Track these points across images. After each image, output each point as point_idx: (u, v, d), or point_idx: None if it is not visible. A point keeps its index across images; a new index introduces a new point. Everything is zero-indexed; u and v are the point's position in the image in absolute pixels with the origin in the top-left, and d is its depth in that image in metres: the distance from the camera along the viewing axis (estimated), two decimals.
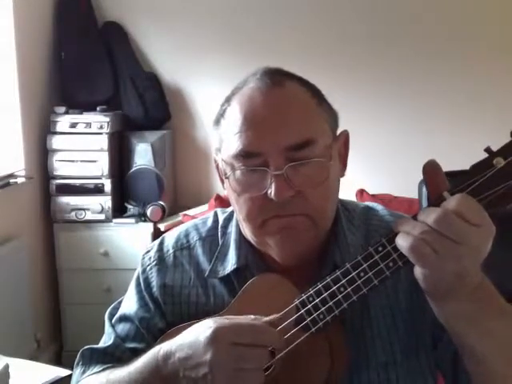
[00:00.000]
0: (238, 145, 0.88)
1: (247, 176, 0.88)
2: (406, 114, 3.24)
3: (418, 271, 0.77)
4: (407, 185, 2.29)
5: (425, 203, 1.39)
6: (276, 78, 0.91)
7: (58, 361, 3.05)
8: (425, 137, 3.23)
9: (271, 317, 0.85)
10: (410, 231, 0.75)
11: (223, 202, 2.61)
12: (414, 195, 1.52)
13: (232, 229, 1.01)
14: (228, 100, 0.94)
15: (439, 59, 3.16)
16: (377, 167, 3.15)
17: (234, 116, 0.90)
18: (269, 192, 0.86)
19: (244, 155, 0.87)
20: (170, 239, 1.06)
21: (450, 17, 3.16)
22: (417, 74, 3.19)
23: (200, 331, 0.83)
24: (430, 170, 0.78)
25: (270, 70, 0.93)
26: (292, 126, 0.87)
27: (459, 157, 3.12)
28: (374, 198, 2.71)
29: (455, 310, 0.79)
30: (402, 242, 0.76)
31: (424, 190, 1.43)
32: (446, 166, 1.52)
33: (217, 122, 0.95)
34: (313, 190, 0.87)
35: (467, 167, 0.77)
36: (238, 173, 0.89)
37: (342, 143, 0.96)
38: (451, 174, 0.80)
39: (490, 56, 3.14)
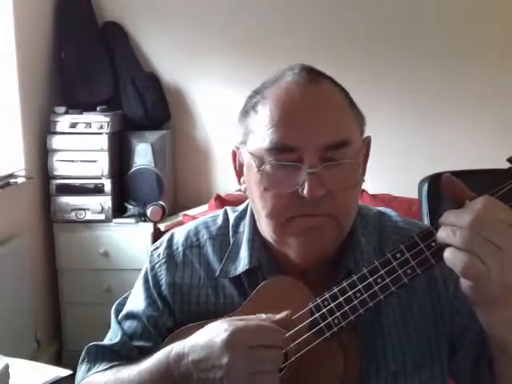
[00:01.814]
0: (273, 138, 0.85)
1: (278, 170, 0.86)
2: (405, 113, 3.24)
3: (464, 283, 0.75)
4: (407, 185, 2.29)
5: (425, 203, 1.39)
6: (313, 75, 0.89)
7: (58, 361, 3.05)
8: (425, 137, 3.23)
9: (283, 314, 0.85)
10: (452, 241, 0.72)
11: (223, 202, 2.61)
12: (414, 195, 1.52)
13: (244, 228, 0.99)
14: (260, 92, 0.91)
15: (439, 59, 3.16)
16: (377, 167, 3.15)
17: (270, 109, 0.87)
18: (300, 190, 0.84)
19: (279, 148, 0.85)
20: (179, 236, 1.04)
21: (450, 17, 3.15)
22: (417, 73, 3.19)
23: (215, 334, 0.82)
24: (446, 182, 0.77)
25: (307, 67, 0.91)
26: (330, 124, 0.86)
27: (459, 157, 3.13)
28: (374, 198, 2.71)
29: (502, 317, 0.77)
30: (454, 259, 0.73)
31: (424, 189, 1.43)
32: (446, 166, 1.52)
33: (245, 113, 0.92)
34: (342, 191, 0.86)
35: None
36: (267, 167, 0.86)
37: (365, 148, 0.95)
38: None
39: (490, 56, 3.13)
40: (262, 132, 0.87)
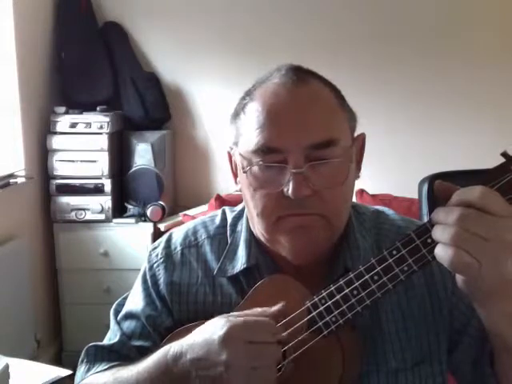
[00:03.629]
0: (259, 140, 0.86)
1: (265, 172, 0.87)
2: (406, 114, 3.24)
3: (459, 279, 0.75)
4: (407, 185, 2.29)
5: (425, 203, 1.39)
6: (301, 75, 0.90)
7: (58, 361, 3.05)
8: (425, 137, 3.23)
9: (278, 305, 0.85)
10: (442, 239, 0.73)
11: (223, 202, 2.61)
12: (414, 195, 1.52)
13: (242, 228, 1.00)
14: (249, 94, 0.92)
15: (439, 59, 3.16)
16: (377, 167, 3.15)
17: (257, 110, 0.88)
18: (285, 190, 0.85)
19: (264, 150, 0.86)
20: (177, 236, 1.05)
21: (450, 17, 3.15)
22: (417, 74, 3.19)
23: (212, 331, 0.82)
24: (439, 188, 0.77)
25: (294, 67, 0.92)
26: (315, 125, 0.86)
27: (459, 157, 3.13)
28: (374, 198, 2.70)
29: (500, 310, 0.77)
30: (441, 254, 0.73)
31: (424, 189, 1.43)
32: (446, 166, 1.52)
33: (236, 115, 0.94)
34: (330, 190, 0.86)
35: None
36: (255, 168, 0.88)
37: (359, 146, 0.95)
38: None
39: (490, 56, 3.14)
40: (249, 134, 0.88)
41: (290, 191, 0.84)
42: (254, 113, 0.89)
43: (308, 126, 0.86)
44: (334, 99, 0.90)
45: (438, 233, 0.74)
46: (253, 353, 0.79)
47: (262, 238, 0.94)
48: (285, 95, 0.88)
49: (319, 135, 0.85)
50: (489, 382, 0.88)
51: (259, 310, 0.85)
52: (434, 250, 0.75)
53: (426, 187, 1.43)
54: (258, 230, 0.93)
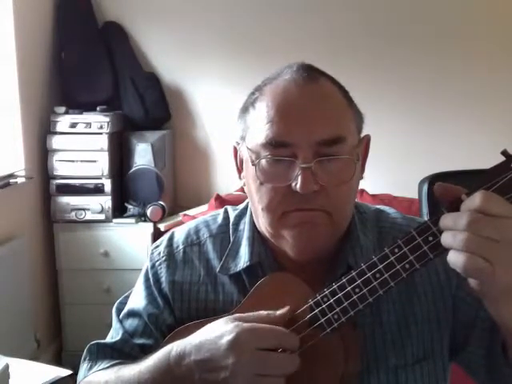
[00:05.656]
0: (268, 133, 0.87)
1: (273, 166, 0.88)
2: (406, 113, 3.24)
3: (472, 283, 0.75)
4: (407, 185, 2.29)
5: (425, 203, 1.39)
6: (311, 72, 0.91)
7: (58, 361, 3.05)
8: (425, 137, 3.23)
9: (284, 309, 0.85)
10: (453, 245, 0.72)
11: (223, 202, 2.61)
12: (414, 195, 1.53)
13: (244, 226, 1.00)
14: (259, 89, 0.93)
15: (440, 59, 3.16)
16: (377, 167, 3.15)
17: (267, 105, 0.89)
18: (293, 184, 0.86)
19: (273, 144, 0.87)
20: (179, 235, 1.05)
21: (451, 17, 3.16)
22: (417, 74, 3.19)
23: (220, 334, 0.82)
24: (440, 188, 0.77)
25: (305, 65, 0.93)
26: (324, 121, 0.87)
27: (459, 157, 3.13)
28: (374, 197, 2.71)
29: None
30: (455, 260, 0.72)
31: (424, 189, 1.43)
32: (446, 166, 1.52)
33: (245, 109, 0.94)
34: (337, 187, 0.87)
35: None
36: (263, 161, 0.88)
37: (364, 146, 0.96)
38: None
39: (491, 56, 3.14)
40: (258, 127, 0.89)
41: (298, 186, 0.85)
42: (263, 107, 0.90)
43: (317, 121, 0.87)
44: (343, 98, 0.91)
45: (448, 239, 0.74)
46: (259, 360, 0.79)
47: (266, 233, 0.94)
48: (295, 91, 0.89)
49: (328, 131, 0.86)
50: (503, 372, 0.88)
51: (264, 313, 0.85)
52: (447, 256, 0.74)
53: (426, 187, 1.44)
54: (263, 224, 0.93)
